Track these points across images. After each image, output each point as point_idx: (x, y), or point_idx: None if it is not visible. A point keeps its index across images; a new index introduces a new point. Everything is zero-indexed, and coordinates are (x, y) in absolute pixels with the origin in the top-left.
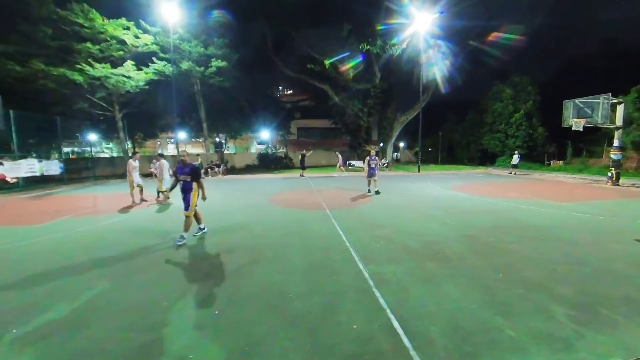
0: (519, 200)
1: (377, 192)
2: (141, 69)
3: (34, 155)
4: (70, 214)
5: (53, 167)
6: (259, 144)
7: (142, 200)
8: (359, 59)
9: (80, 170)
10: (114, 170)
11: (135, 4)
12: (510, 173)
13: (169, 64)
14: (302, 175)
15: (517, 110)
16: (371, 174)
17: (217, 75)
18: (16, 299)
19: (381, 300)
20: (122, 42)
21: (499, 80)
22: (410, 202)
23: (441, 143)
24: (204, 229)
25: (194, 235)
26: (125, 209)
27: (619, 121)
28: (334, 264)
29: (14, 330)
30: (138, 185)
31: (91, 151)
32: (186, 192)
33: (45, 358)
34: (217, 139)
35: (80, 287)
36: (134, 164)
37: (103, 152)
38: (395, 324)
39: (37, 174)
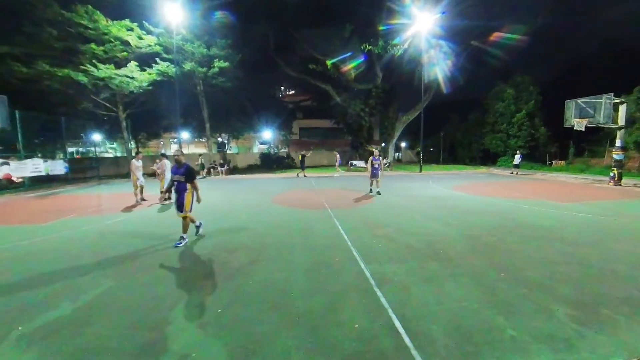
0: (520, 200)
1: (378, 193)
2: (145, 70)
3: (40, 155)
4: (74, 213)
5: (58, 166)
6: (261, 144)
7: (142, 199)
8: (361, 59)
9: (85, 170)
10: (118, 170)
11: (138, 5)
12: (512, 173)
13: (172, 65)
14: (303, 175)
15: (519, 110)
16: (374, 174)
17: (220, 75)
18: (22, 297)
19: (383, 300)
20: (126, 43)
21: (500, 80)
22: (412, 202)
23: (443, 143)
24: (199, 225)
25: (175, 246)
26: (129, 209)
27: (621, 121)
28: (336, 263)
29: (20, 328)
30: (140, 185)
31: (95, 151)
32: (180, 192)
33: (50, 355)
34: (220, 139)
35: (84, 285)
36: (137, 163)
37: (107, 152)
38: (397, 323)
39: (43, 173)
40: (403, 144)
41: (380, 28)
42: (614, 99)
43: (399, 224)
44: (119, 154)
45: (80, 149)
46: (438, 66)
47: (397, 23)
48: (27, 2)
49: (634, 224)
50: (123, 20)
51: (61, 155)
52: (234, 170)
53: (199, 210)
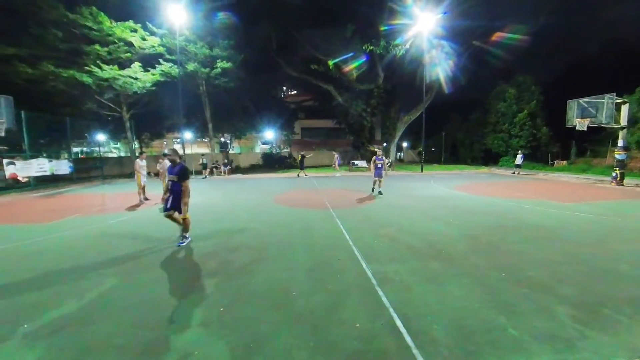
0: (522, 200)
1: (380, 193)
2: (148, 71)
3: (45, 155)
4: (78, 212)
5: (63, 166)
6: (264, 143)
7: (146, 199)
8: (363, 59)
9: (89, 170)
10: (122, 169)
11: (142, 6)
12: (514, 173)
13: (175, 66)
14: (304, 175)
15: (521, 110)
16: (378, 174)
17: (222, 76)
18: (27, 295)
19: (384, 299)
20: (130, 44)
21: (502, 80)
22: (414, 202)
23: (444, 143)
24: (187, 237)
25: (178, 246)
26: (132, 208)
27: (623, 121)
28: (338, 262)
29: (25, 326)
30: (143, 185)
31: (99, 151)
32: (174, 193)
33: (55, 352)
34: (222, 139)
35: (88, 284)
36: (140, 163)
37: (111, 151)
38: (398, 323)
39: (48, 173)
40: (405, 144)
41: (382, 28)
42: (616, 99)
43: (400, 224)
44: (122, 154)
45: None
46: (440, 66)
47: (398, 23)
48: (32, 4)
49: (636, 224)
50: (127, 22)
51: (66, 155)
52: (236, 170)
53: (201, 209)
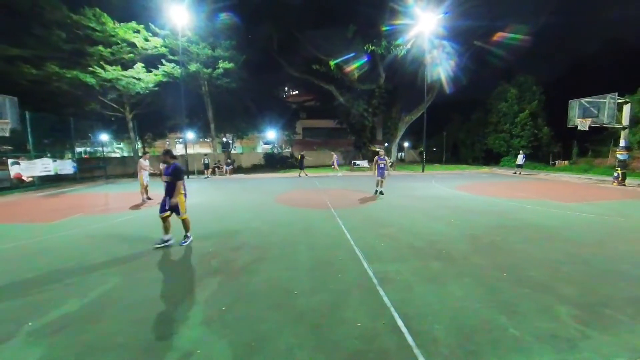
0: (523, 200)
1: (381, 193)
2: (151, 71)
3: (49, 155)
4: (82, 211)
5: (67, 166)
6: (265, 143)
7: (148, 198)
8: (364, 59)
9: (93, 170)
10: (125, 169)
11: (145, 7)
12: (515, 173)
13: (178, 66)
14: (305, 175)
15: (522, 110)
16: (380, 174)
17: (224, 76)
18: (32, 293)
19: (385, 299)
20: (133, 45)
21: (503, 80)
22: (415, 202)
23: (446, 143)
24: (168, 240)
25: (155, 247)
26: (135, 207)
27: (625, 121)
28: (339, 262)
29: (30, 323)
30: (145, 184)
31: (103, 151)
32: (170, 194)
33: (59, 350)
34: (225, 139)
35: (91, 283)
36: (144, 163)
37: (114, 151)
38: (399, 322)
39: (52, 173)
40: (406, 144)
41: (383, 28)
42: (618, 99)
43: (401, 224)
44: (125, 154)
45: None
46: (441, 66)
47: (400, 23)
48: (36, 5)
49: (638, 224)
50: (130, 23)
51: (70, 155)
52: (238, 169)
53: (203, 209)
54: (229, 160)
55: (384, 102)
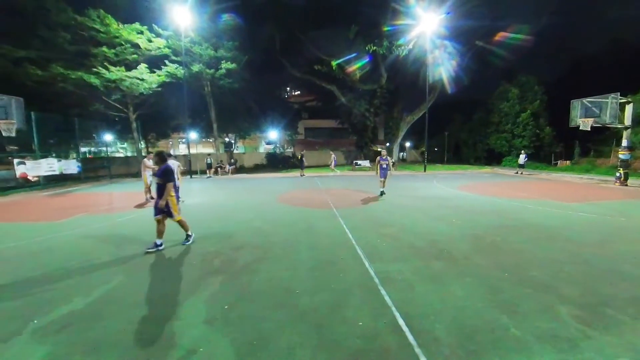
0: (525, 200)
1: (382, 193)
2: (154, 72)
3: (54, 154)
4: (86, 211)
5: (71, 166)
6: (268, 143)
7: (152, 198)
8: (366, 59)
9: (97, 169)
10: (129, 169)
11: (148, 9)
12: (517, 173)
13: (181, 67)
14: (303, 175)
15: (524, 110)
16: (383, 174)
17: (227, 77)
18: (37, 291)
19: (387, 298)
20: (136, 46)
21: (505, 80)
22: (417, 202)
23: (447, 143)
24: (160, 245)
25: (146, 252)
26: (139, 207)
27: (627, 121)
28: (341, 261)
29: (35, 321)
30: (149, 184)
31: (107, 151)
32: (160, 195)
33: (63, 347)
34: (227, 139)
35: (95, 281)
36: (148, 163)
37: (118, 151)
38: (401, 322)
39: (57, 172)
40: (407, 144)
41: (385, 29)
42: (620, 99)
43: (403, 223)
44: (129, 154)
45: (93, 149)
46: (443, 66)
47: (401, 24)
48: (42, 7)
49: None
50: (133, 24)
51: (74, 155)
52: (241, 169)
53: (206, 208)
54: (231, 160)
55: (386, 102)
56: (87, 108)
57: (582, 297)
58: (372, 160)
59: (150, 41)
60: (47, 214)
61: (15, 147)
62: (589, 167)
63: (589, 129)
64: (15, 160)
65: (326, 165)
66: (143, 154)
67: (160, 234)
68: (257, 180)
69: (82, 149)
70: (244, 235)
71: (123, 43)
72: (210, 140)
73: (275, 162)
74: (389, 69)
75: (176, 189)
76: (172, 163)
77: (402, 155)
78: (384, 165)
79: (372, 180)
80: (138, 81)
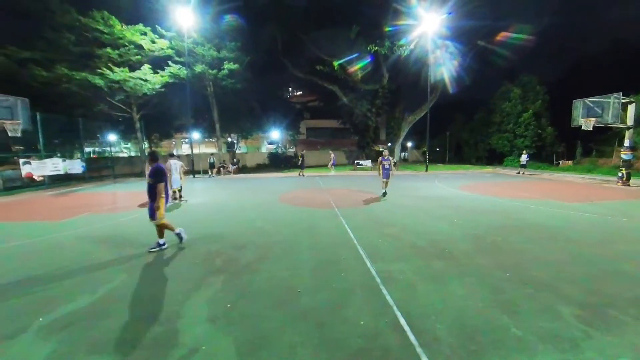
0: (527, 200)
1: (385, 194)
2: (157, 72)
3: (59, 154)
4: (90, 210)
5: (76, 166)
6: (270, 143)
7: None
8: (367, 60)
9: (101, 169)
10: (132, 169)
11: (151, 10)
12: (519, 173)
13: (184, 67)
14: (302, 175)
15: (526, 110)
16: (385, 175)
17: (229, 77)
18: (41, 289)
19: (388, 298)
20: (140, 47)
21: (507, 80)
22: (418, 202)
23: (449, 143)
24: (163, 244)
25: (149, 252)
26: (142, 206)
27: (629, 121)
28: (342, 261)
29: (41, 319)
30: None
31: (111, 151)
32: (150, 197)
33: (68, 345)
34: (230, 139)
35: (99, 279)
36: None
37: (122, 151)
38: (402, 321)
39: (61, 172)
40: (409, 144)
41: (387, 29)
42: (623, 99)
43: (404, 223)
44: (133, 154)
45: (97, 149)
46: (444, 66)
47: (403, 24)
48: (47, 9)
49: None
50: (137, 25)
51: (79, 155)
52: (243, 169)
53: (208, 208)
54: (234, 160)
55: (387, 102)
56: (91, 109)
57: (583, 297)
58: (374, 160)
59: (153, 42)
60: (52, 213)
61: (21, 147)
62: (591, 167)
63: (591, 129)
64: (21, 160)
65: (325, 166)
66: (146, 154)
67: (161, 233)
68: (259, 180)
69: (87, 149)
70: (246, 234)
71: (127, 44)
72: (213, 140)
73: (278, 162)
74: (390, 69)
75: (167, 194)
76: (175, 163)
77: (404, 155)
78: (387, 166)
79: (373, 180)
80: (141, 82)
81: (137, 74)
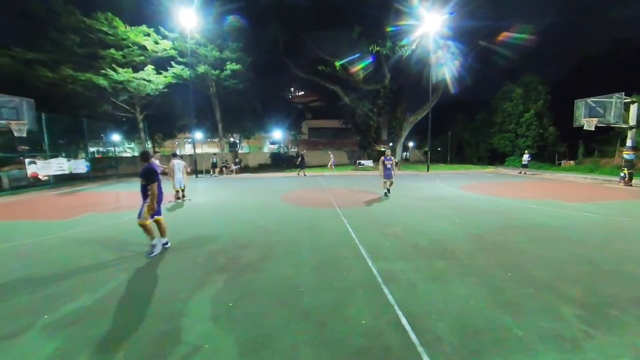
0: (529, 200)
1: (387, 192)
2: (160, 73)
3: (63, 154)
4: (95, 209)
5: (80, 165)
6: (272, 143)
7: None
8: (369, 60)
9: (105, 169)
10: (136, 168)
11: (155, 11)
12: (520, 173)
13: (187, 68)
14: (304, 175)
15: (528, 110)
16: (387, 175)
17: (232, 77)
18: (47, 287)
19: (389, 297)
20: (143, 48)
21: (509, 80)
22: (419, 201)
23: (450, 143)
24: (166, 243)
25: (148, 257)
26: None
27: (632, 120)
28: (344, 260)
29: (46, 317)
30: None
31: (115, 151)
32: (143, 197)
33: (73, 342)
34: (232, 139)
35: (103, 278)
36: (155, 162)
37: (125, 151)
38: (403, 321)
39: (66, 172)
40: (411, 144)
41: (388, 29)
42: (625, 98)
43: (406, 223)
44: (136, 154)
45: (101, 149)
46: (446, 66)
47: (405, 24)
48: (52, 11)
49: None
50: (140, 26)
51: (83, 155)
52: (245, 169)
53: (211, 207)
54: (236, 160)
55: (389, 102)
56: (95, 109)
57: (585, 297)
58: (376, 160)
59: (156, 43)
60: (57, 212)
61: (27, 147)
62: (593, 167)
63: (593, 129)
64: (27, 160)
65: (325, 166)
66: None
67: (162, 233)
68: (262, 179)
69: (91, 149)
70: (248, 233)
71: (130, 45)
72: (216, 140)
73: (280, 162)
74: (392, 69)
75: (159, 198)
76: (178, 162)
77: (405, 155)
78: (388, 166)
79: (375, 180)
80: (145, 82)
81: (140, 74)
